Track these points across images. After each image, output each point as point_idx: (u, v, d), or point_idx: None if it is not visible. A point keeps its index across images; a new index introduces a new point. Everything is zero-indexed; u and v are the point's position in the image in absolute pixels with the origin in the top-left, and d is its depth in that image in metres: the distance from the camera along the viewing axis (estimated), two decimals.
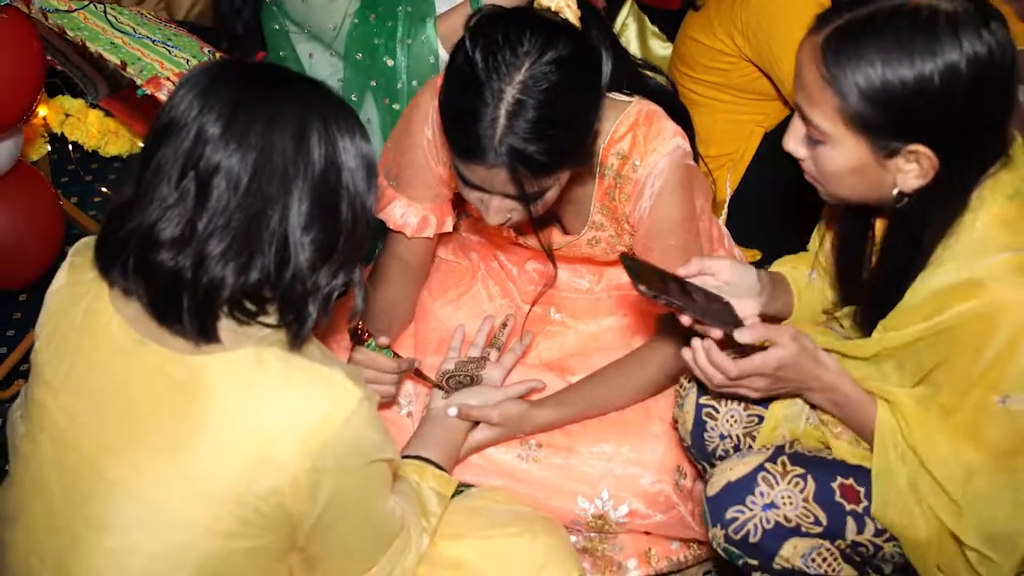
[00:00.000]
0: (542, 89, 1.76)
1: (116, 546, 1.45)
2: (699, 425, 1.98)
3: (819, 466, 1.83)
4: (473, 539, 1.86)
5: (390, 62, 2.60)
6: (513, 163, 1.79)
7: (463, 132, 1.80)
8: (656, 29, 3.37)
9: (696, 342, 1.75)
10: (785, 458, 1.83)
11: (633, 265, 1.77)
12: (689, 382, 2.01)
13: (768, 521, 1.79)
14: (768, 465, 1.82)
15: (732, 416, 1.97)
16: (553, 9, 1.90)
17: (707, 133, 2.75)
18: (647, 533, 2.16)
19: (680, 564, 2.20)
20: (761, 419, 1.95)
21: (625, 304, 2.32)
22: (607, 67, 1.94)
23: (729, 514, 1.80)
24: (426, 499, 1.84)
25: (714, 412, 1.98)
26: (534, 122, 1.77)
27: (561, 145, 1.83)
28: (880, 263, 1.77)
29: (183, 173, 1.40)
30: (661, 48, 3.38)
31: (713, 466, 2.01)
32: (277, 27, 2.72)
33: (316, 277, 1.48)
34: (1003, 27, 1.55)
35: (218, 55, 2.50)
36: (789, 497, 1.79)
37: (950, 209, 1.62)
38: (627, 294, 2.31)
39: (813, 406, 1.88)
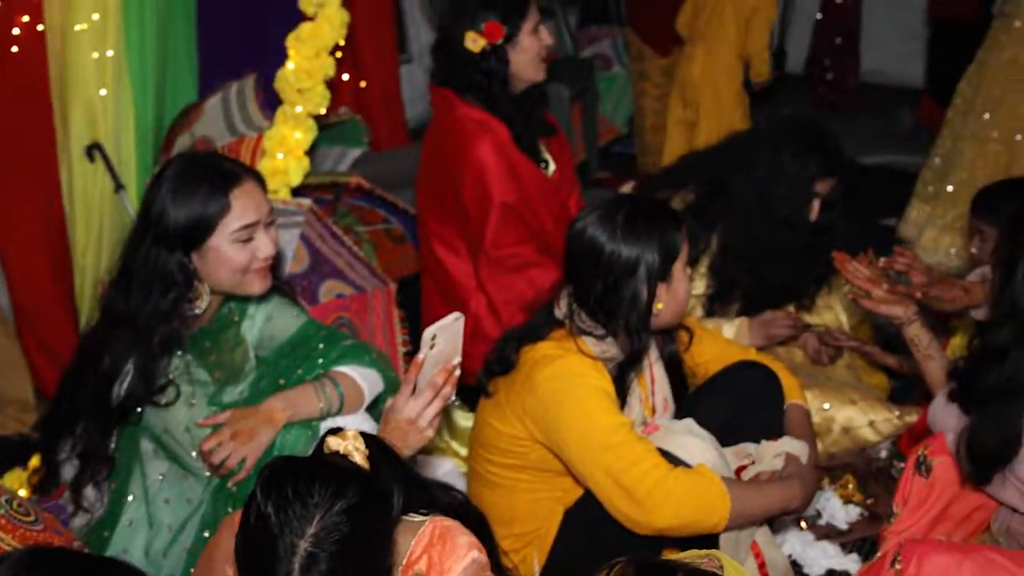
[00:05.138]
0: (334, 540, 1.83)
1: None
2: None
3: None
4: None
5: None
6: None
7: None
8: (459, 401, 3.51)
9: None
10: None
11: None
12: None
13: None
14: None
15: None
16: (342, 452, 1.98)
17: (510, 513, 2.86)
18: None
19: None
20: None
21: None
22: (399, 502, 2.03)
23: None
24: None
25: None
26: (327, 574, 1.82)
27: None
28: None
29: None
30: (463, 420, 3.52)
31: None
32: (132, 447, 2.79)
33: None
34: None
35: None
36: None
37: None
38: None
39: None
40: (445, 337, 2.34)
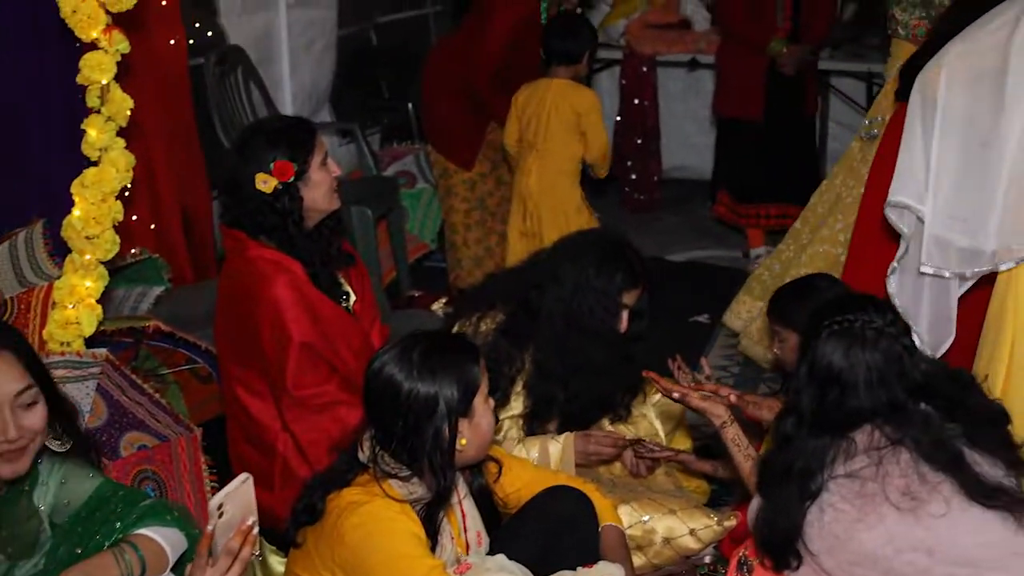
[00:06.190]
0: None
1: None
2: None
3: None
4: None
5: None
6: None
7: None
8: (274, 547, 3.43)
9: None
10: None
11: None
12: None
13: None
14: None
15: None
16: None
17: None
18: None
19: None
20: None
21: None
22: None
23: None
24: None
25: None
26: None
27: None
28: None
29: None
30: (278, 565, 3.42)
31: None
32: None
33: None
34: None
35: None
36: None
37: None
38: None
39: None
40: (234, 502, 2.27)
